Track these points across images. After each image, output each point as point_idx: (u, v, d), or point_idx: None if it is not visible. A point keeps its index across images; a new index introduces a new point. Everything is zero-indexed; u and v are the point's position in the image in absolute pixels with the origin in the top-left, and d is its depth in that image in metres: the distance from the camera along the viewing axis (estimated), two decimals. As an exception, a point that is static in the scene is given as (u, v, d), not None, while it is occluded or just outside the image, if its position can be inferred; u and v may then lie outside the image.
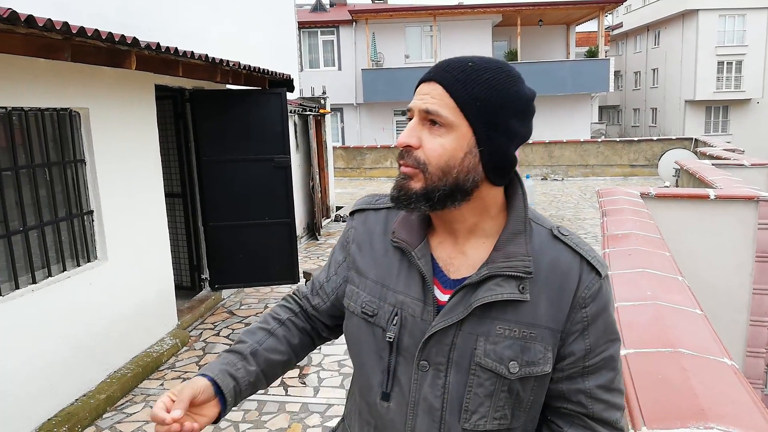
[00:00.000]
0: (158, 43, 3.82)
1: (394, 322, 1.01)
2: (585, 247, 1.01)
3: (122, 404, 3.98)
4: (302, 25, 20.32)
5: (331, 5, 24.32)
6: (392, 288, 1.03)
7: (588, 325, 0.97)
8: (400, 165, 0.97)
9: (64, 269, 3.94)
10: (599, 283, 0.98)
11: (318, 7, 23.19)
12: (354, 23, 21.35)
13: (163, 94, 5.61)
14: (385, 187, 16.10)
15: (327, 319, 1.20)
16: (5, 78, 3.34)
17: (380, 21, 21.36)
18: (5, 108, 3.45)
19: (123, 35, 3.40)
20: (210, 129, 5.77)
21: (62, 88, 3.84)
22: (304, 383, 4.20)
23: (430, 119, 0.94)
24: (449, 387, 0.98)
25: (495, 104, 0.93)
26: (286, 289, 6.55)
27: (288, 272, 6.06)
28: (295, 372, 4.38)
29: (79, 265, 4.08)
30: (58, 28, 2.84)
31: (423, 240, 1.03)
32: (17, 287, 3.54)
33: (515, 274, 0.96)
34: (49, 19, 2.80)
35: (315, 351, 4.74)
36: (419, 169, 0.94)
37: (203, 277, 6.17)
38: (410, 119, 0.97)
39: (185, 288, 6.17)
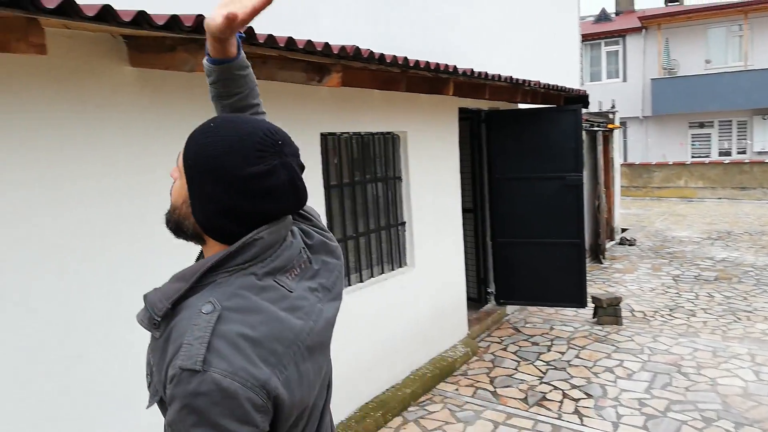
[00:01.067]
0: (472, 70, 4.10)
1: None
2: (197, 333, 0.93)
3: (423, 401, 4.33)
4: (585, 38, 19.60)
5: (617, 14, 22.92)
6: None
7: (168, 403, 0.94)
8: None
9: (383, 272, 4.50)
10: (177, 371, 0.92)
11: (602, 18, 22.10)
12: (643, 30, 19.73)
13: (462, 116, 6.00)
14: (678, 208, 14.39)
15: None
16: (353, 108, 3.99)
17: (675, 25, 19.30)
18: (348, 133, 4.11)
19: (446, 65, 3.74)
20: (502, 147, 5.96)
21: (389, 114, 4.40)
22: (601, 416, 3.98)
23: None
24: None
25: (197, 166, 1.02)
26: (571, 312, 6.33)
27: (574, 295, 5.85)
28: (590, 402, 4.18)
29: (393, 269, 4.61)
30: (399, 62, 3.25)
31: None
32: (349, 284, 4.17)
33: (148, 307, 1.01)
34: (394, 56, 3.23)
35: (611, 383, 4.46)
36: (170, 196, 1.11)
37: (489, 290, 6.36)
38: None
39: (472, 299, 6.45)
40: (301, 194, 1.06)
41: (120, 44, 2.42)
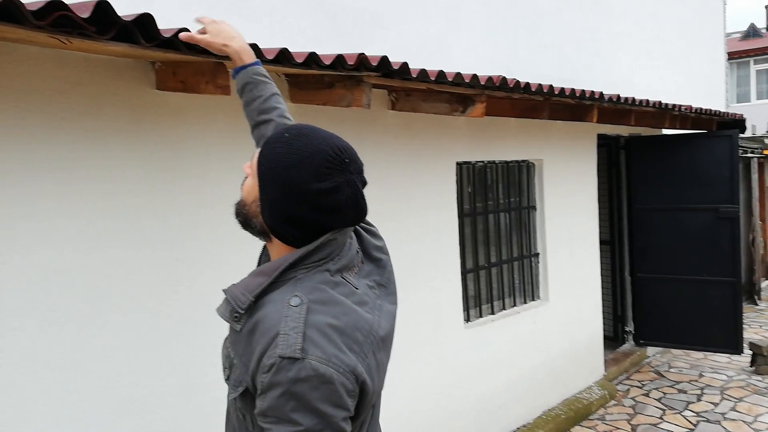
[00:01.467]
0: (618, 95, 3.90)
1: None
2: (292, 323, 0.99)
3: (557, 444, 4.09)
4: (731, 56, 17.99)
5: (769, 28, 20.82)
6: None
7: (264, 390, 0.98)
8: None
9: (515, 305, 4.35)
10: (275, 360, 0.97)
11: (751, 34, 20.19)
12: (803, 45, 17.70)
13: (599, 142, 5.71)
14: None
15: None
16: (488, 136, 3.95)
17: (844, 37, 17.10)
18: (483, 161, 4.07)
19: (592, 91, 3.59)
20: (644, 176, 5.57)
21: (525, 142, 4.30)
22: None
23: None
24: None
25: (269, 174, 1.08)
26: (723, 359, 5.69)
27: (728, 339, 5.27)
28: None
29: (525, 303, 4.45)
30: (544, 90, 3.17)
31: (266, 255, 1.24)
32: (480, 316, 4.08)
33: (230, 300, 1.06)
34: (539, 85, 3.16)
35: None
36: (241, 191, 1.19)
37: (627, 329, 5.92)
38: None
39: (608, 338, 6.04)
40: (362, 210, 1.11)
41: (282, 82, 2.59)
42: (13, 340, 1.90)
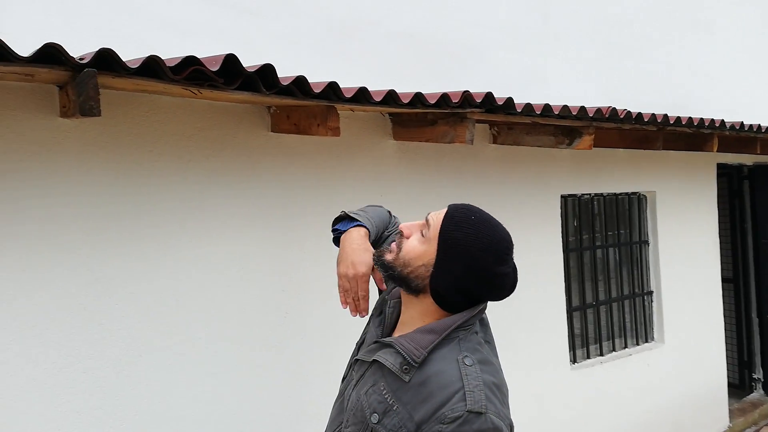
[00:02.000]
0: (741, 123, 3.61)
1: (362, 337, 1.41)
2: (474, 381, 1.12)
3: (677, 502, 3.73)
4: None
5: None
6: (375, 317, 1.38)
7: None
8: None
9: (625, 346, 4.08)
10: (463, 413, 1.08)
11: None
12: None
13: (719, 171, 5.30)
14: None
15: None
16: (595, 168, 3.79)
17: None
18: (589, 194, 3.91)
19: (711, 119, 3.36)
20: (772, 208, 5.08)
21: (636, 173, 4.08)
22: None
23: (422, 231, 1.24)
24: (351, 399, 1.28)
25: (456, 252, 1.19)
26: None
27: None
28: None
29: (638, 344, 4.16)
30: (658, 120, 3.01)
31: (396, 307, 1.33)
32: (588, 357, 3.87)
33: (403, 353, 1.17)
34: (652, 114, 3.00)
35: None
36: (397, 249, 1.26)
37: (755, 376, 5.35)
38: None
39: (732, 386, 5.47)
40: (514, 289, 1.28)
41: (386, 121, 2.66)
42: (140, 368, 2.06)
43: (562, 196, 3.67)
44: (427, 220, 1.24)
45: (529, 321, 3.37)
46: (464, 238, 1.18)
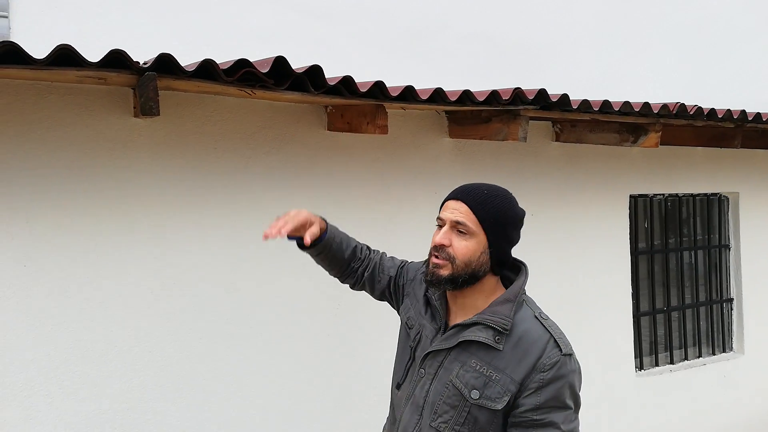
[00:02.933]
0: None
1: (416, 337, 1.46)
2: (557, 330, 1.33)
3: None
4: None
5: None
6: (422, 315, 1.47)
7: (542, 386, 1.27)
8: (433, 257, 1.36)
9: (699, 355, 3.86)
10: (559, 356, 1.28)
11: None
12: None
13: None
14: None
15: (372, 279, 1.66)
16: (668, 167, 3.61)
17: None
18: (662, 194, 3.72)
19: (797, 115, 3.11)
20: None
21: (714, 173, 3.84)
22: None
23: (458, 228, 1.33)
24: (430, 392, 1.36)
25: (500, 221, 1.34)
26: None
27: None
28: None
29: (713, 354, 3.92)
30: (735, 117, 2.83)
31: (442, 293, 1.44)
32: (656, 364, 3.69)
33: (493, 326, 1.30)
34: (728, 110, 2.83)
35: None
36: (448, 261, 1.33)
37: None
38: (439, 225, 1.38)
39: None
40: None
41: (442, 119, 2.68)
42: (201, 351, 2.21)
43: (631, 197, 3.53)
44: (456, 222, 1.32)
45: (590, 324, 3.27)
46: (497, 208, 1.33)
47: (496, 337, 1.29)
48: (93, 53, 1.63)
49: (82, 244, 2.02)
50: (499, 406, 1.28)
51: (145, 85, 1.53)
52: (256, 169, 2.32)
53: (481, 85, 2.42)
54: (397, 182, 2.63)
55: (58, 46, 1.42)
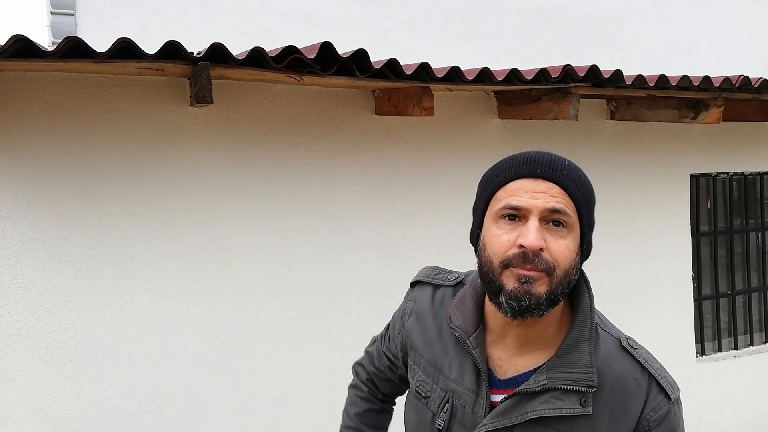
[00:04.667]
0: None
1: (445, 409, 0.98)
2: (655, 364, 0.95)
3: None
4: None
5: None
6: (445, 373, 1.00)
7: None
8: (517, 267, 0.86)
9: (766, 341, 3.68)
10: (667, 407, 0.92)
11: None
12: None
13: None
14: None
15: (402, 381, 1.18)
16: (733, 144, 3.44)
17: None
18: (726, 173, 3.55)
19: None
20: None
21: (785, 149, 3.63)
22: None
23: (553, 219, 0.87)
24: None
25: (593, 205, 0.93)
26: None
27: None
28: None
29: (781, 340, 3.73)
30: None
31: (477, 329, 0.97)
32: (719, 350, 3.55)
33: (578, 388, 0.89)
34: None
35: None
36: (545, 272, 0.86)
37: None
38: (512, 217, 0.88)
39: None
40: None
41: (491, 99, 2.65)
42: (256, 329, 2.30)
43: (692, 176, 3.38)
44: (545, 210, 0.87)
45: (648, 307, 3.18)
46: (590, 187, 0.93)
47: (582, 400, 0.89)
48: (152, 46, 1.72)
49: (145, 228, 2.14)
50: None
51: (198, 74, 1.60)
52: (307, 155, 2.38)
53: (534, 64, 2.38)
54: (445, 165, 2.63)
55: (118, 39, 1.50)
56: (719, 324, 3.57)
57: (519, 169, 0.90)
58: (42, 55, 1.46)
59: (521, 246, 0.85)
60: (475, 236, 0.97)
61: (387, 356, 1.18)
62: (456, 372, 0.98)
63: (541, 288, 0.86)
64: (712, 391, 3.40)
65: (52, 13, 4.37)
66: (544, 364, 0.92)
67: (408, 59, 2.00)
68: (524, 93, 2.46)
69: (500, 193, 0.91)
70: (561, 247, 0.87)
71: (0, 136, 1.96)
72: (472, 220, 0.99)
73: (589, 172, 2.93)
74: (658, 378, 0.93)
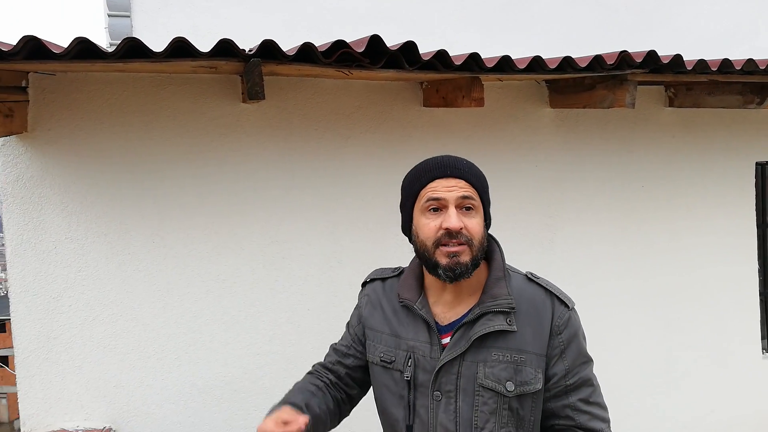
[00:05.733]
0: None
1: (409, 363, 1.24)
2: (553, 286, 1.26)
3: None
4: None
5: None
6: (404, 337, 1.26)
7: (564, 349, 1.21)
8: (446, 245, 1.16)
9: (841, 339, 3.47)
10: (568, 313, 1.23)
11: None
12: None
13: None
14: None
15: (361, 374, 1.38)
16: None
17: None
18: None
19: None
20: None
21: None
22: None
23: (465, 205, 1.18)
24: (460, 409, 1.20)
25: (487, 189, 1.24)
26: None
27: None
28: None
29: None
30: None
31: (420, 296, 1.26)
32: (785, 348, 3.38)
33: (501, 309, 1.19)
34: None
35: None
36: (467, 244, 1.17)
37: None
38: (435, 209, 1.18)
39: None
40: None
41: (542, 88, 2.59)
42: (308, 320, 2.34)
43: (757, 164, 3.21)
44: (464, 197, 1.17)
45: (712, 303, 3.05)
46: (483, 176, 1.24)
47: (507, 319, 1.18)
48: (204, 45, 1.76)
49: (201, 222, 2.20)
50: (539, 386, 1.19)
51: (251, 71, 1.62)
52: (356, 148, 2.39)
53: (586, 51, 2.31)
54: (495, 156, 2.59)
55: (174, 39, 1.54)
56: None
57: (434, 172, 1.20)
58: (103, 56, 1.52)
59: (447, 228, 1.15)
60: (407, 228, 1.26)
61: (343, 348, 1.40)
62: (411, 333, 1.25)
63: (466, 257, 1.16)
64: (745, 393, 3.24)
65: (109, 16, 4.54)
66: (475, 303, 1.22)
67: (454, 50, 1.97)
68: (577, 81, 2.39)
69: (423, 192, 1.20)
70: (473, 224, 1.18)
71: (65, 135, 2.06)
72: (401, 217, 1.29)
73: (646, 160, 2.84)
74: (558, 294, 1.24)
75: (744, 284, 3.15)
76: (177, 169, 2.17)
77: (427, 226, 1.17)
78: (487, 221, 1.23)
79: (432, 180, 1.19)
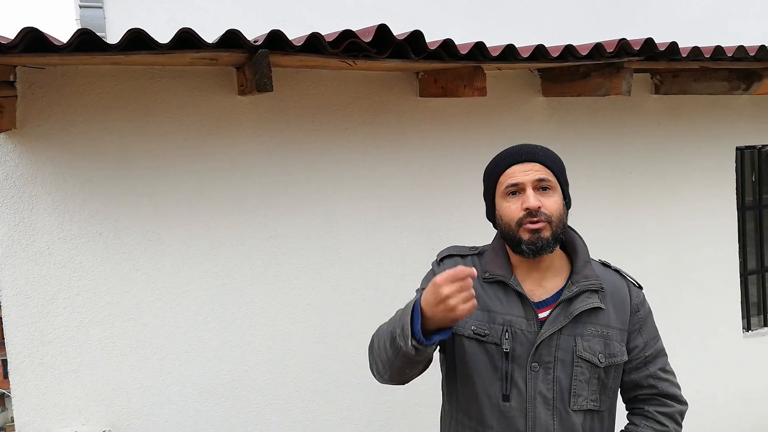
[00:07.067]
0: None
1: (507, 336, 1.32)
2: (624, 270, 1.44)
3: None
4: None
5: None
6: (497, 311, 1.34)
7: (642, 325, 1.39)
8: (528, 223, 1.28)
9: (815, 315, 3.61)
10: (641, 293, 1.43)
11: None
12: None
13: None
14: None
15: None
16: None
17: None
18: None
19: None
20: None
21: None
22: None
23: (541, 186, 1.30)
24: (558, 378, 1.32)
25: (564, 170, 1.37)
26: None
27: None
28: None
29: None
30: None
31: (512, 275, 1.35)
32: (765, 324, 3.51)
33: (595, 288, 1.34)
34: None
35: None
36: (546, 221, 1.28)
37: None
38: (514, 192, 1.31)
39: None
40: None
41: (534, 77, 2.60)
42: (308, 314, 2.32)
43: (737, 149, 3.30)
44: (533, 181, 1.28)
45: (696, 284, 3.14)
46: (558, 159, 1.37)
47: (600, 297, 1.34)
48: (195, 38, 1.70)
49: (199, 218, 2.15)
50: (625, 357, 1.35)
51: (259, 62, 1.58)
52: (353, 140, 2.36)
53: (561, 41, 2.33)
54: (490, 145, 2.57)
55: (179, 30, 1.49)
56: (766, 298, 3.51)
57: (510, 159, 1.33)
58: (105, 48, 1.46)
59: (527, 208, 1.27)
60: (491, 214, 1.39)
61: None
62: (506, 307, 1.33)
63: (546, 233, 1.27)
64: (760, 365, 3.36)
65: (80, 7, 4.36)
66: (567, 281, 1.35)
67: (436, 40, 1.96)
68: (572, 70, 2.41)
69: (502, 179, 1.33)
70: (551, 203, 1.30)
71: (55, 131, 1.97)
72: (485, 204, 1.41)
73: (634, 147, 2.88)
74: (630, 279, 1.43)
75: (726, 265, 3.25)
76: (172, 165, 2.11)
77: (509, 208, 1.30)
78: (566, 200, 1.36)
79: (509, 166, 1.32)
